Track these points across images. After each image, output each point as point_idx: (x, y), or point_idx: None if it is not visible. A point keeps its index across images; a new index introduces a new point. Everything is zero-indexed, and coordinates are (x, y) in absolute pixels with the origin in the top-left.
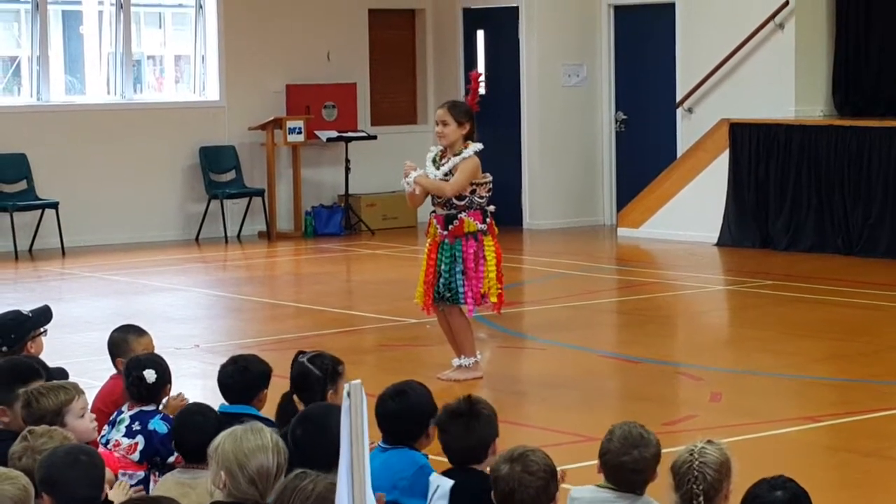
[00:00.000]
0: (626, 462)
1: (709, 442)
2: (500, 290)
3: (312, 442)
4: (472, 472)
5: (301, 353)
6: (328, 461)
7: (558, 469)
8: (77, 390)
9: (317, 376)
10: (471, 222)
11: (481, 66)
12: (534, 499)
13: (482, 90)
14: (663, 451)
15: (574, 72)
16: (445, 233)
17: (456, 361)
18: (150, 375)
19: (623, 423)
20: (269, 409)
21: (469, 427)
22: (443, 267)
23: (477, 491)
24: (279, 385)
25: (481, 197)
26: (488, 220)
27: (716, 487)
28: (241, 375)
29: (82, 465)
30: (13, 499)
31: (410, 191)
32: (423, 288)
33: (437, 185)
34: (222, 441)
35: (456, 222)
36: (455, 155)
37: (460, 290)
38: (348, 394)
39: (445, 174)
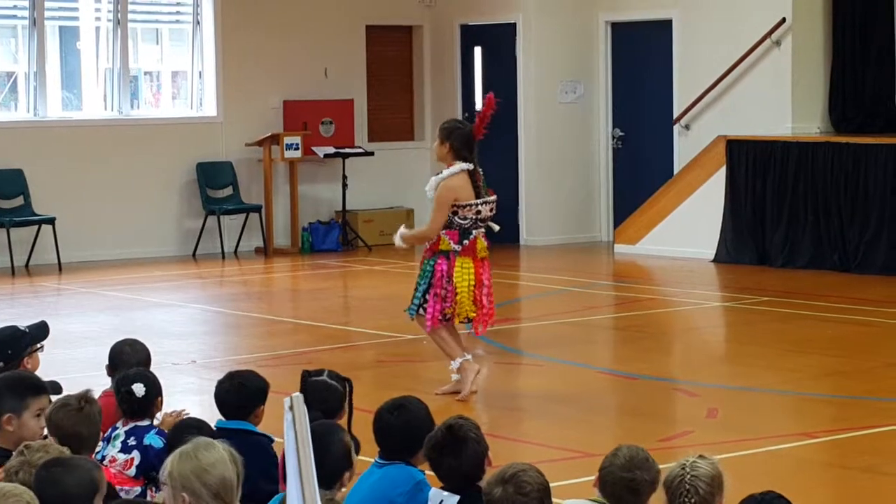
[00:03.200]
0: (626, 478)
1: (700, 456)
2: (486, 311)
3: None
4: (474, 487)
5: (307, 372)
6: (328, 481)
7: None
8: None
9: (340, 392)
10: (446, 240)
11: (478, 83)
12: None
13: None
14: (660, 467)
15: (571, 88)
16: (427, 246)
17: (455, 377)
18: (139, 389)
19: (631, 445)
20: (265, 425)
21: (458, 455)
22: (419, 279)
23: None
24: (277, 401)
25: (463, 218)
26: (466, 241)
27: (708, 501)
28: (238, 391)
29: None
30: None
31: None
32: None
33: (420, 234)
34: (175, 462)
35: (434, 238)
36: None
37: (420, 303)
38: (290, 407)
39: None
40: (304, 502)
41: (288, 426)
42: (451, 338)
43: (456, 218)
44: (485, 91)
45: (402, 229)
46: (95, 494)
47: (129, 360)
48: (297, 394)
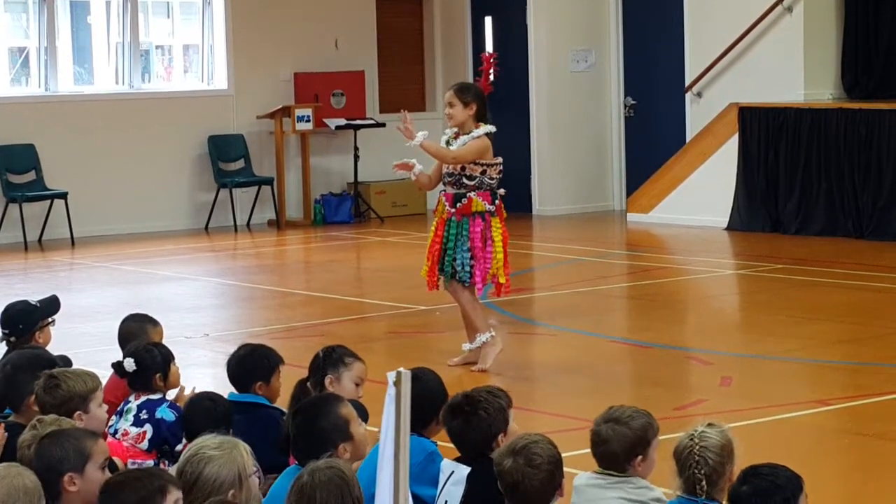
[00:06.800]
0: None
1: (709, 425)
2: (505, 274)
3: (301, 435)
4: (486, 459)
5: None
6: (317, 455)
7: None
8: (97, 379)
9: (317, 360)
10: (479, 202)
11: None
12: (539, 490)
13: (492, 74)
14: (673, 435)
15: (582, 57)
16: (453, 210)
17: (466, 346)
18: (128, 364)
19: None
20: (282, 399)
21: (468, 422)
22: (449, 244)
23: (493, 476)
24: (290, 374)
25: (492, 178)
26: (497, 201)
27: (718, 471)
28: (246, 365)
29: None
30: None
31: (416, 177)
32: (428, 264)
33: (441, 153)
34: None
35: (464, 200)
36: (466, 135)
37: (467, 269)
38: (395, 382)
39: None
40: (397, 478)
41: (389, 401)
42: (482, 308)
43: (485, 178)
44: (495, 61)
45: (425, 135)
46: (86, 463)
47: (133, 335)
48: (405, 370)
